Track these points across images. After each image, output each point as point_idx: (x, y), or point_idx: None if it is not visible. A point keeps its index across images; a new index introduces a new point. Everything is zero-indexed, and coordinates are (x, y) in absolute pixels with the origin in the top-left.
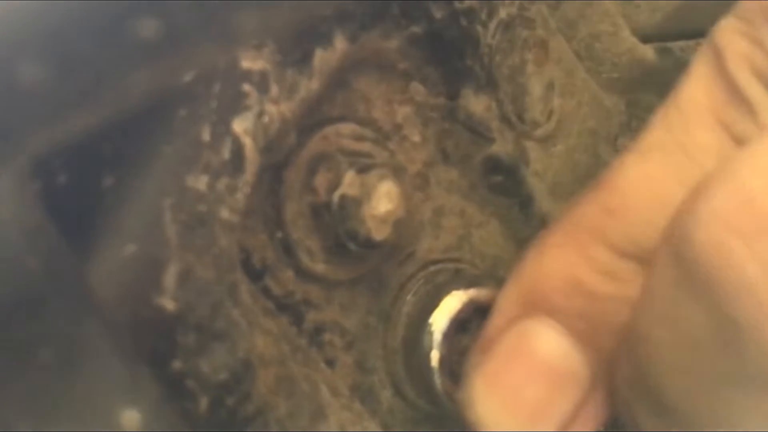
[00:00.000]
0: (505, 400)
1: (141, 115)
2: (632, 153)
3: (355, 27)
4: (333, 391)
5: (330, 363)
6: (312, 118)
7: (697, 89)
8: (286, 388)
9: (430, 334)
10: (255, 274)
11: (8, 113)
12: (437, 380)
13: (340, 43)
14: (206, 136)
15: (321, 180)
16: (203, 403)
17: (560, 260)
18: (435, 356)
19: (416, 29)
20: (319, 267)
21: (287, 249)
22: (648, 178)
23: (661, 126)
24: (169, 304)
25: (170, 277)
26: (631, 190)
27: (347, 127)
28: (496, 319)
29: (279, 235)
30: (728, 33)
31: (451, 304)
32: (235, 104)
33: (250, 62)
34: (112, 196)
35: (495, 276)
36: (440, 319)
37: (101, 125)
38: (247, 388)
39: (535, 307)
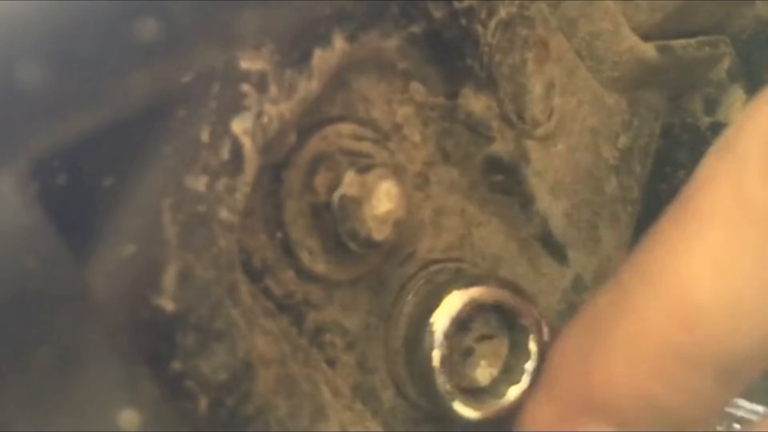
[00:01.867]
0: None
1: (140, 115)
2: (696, 257)
3: (355, 27)
4: (334, 392)
5: (331, 363)
6: (311, 118)
7: (761, 192)
8: (286, 389)
9: (431, 333)
10: (255, 275)
11: (8, 114)
12: (438, 380)
13: (339, 43)
14: (205, 136)
15: (321, 180)
16: (203, 403)
17: (631, 374)
18: (436, 356)
19: (416, 29)
20: (320, 267)
21: (287, 249)
22: (724, 289)
23: (726, 230)
24: (168, 305)
25: (170, 277)
26: (708, 301)
27: (347, 127)
28: (546, 412)
29: (279, 235)
30: None
31: (452, 303)
32: (234, 104)
33: (249, 62)
34: (112, 196)
35: (496, 275)
36: (441, 318)
37: (100, 126)
38: (247, 389)
39: (596, 413)
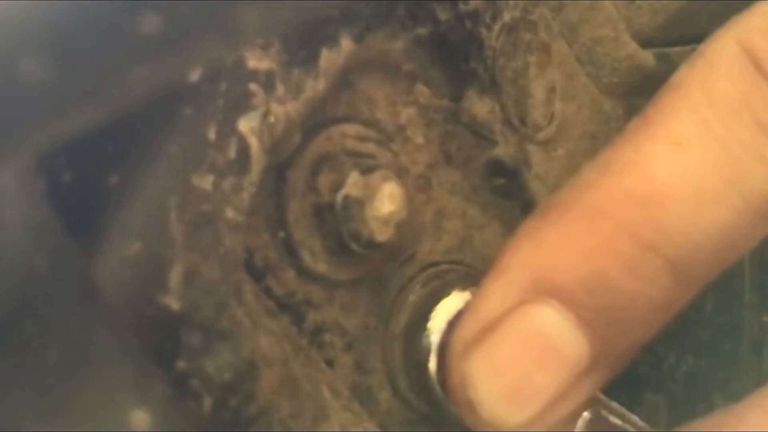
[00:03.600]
0: (511, 388)
1: (146, 113)
2: (659, 140)
3: (362, 27)
4: (333, 392)
5: (329, 363)
6: (316, 119)
7: (729, 86)
8: (289, 389)
9: (428, 337)
10: (257, 274)
11: (12, 110)
12: (436, 385)
13: (346, 44)
14: (212, 135)
15: (324, 180)
16: (207, 403)
17: (583, 252)
18: (433, 360)
19: (422, 31)
20: (321, 267)
21: (289, 249)
22: (685, 171)
23: (692, 119)
24: (174, 304)
25: (175, 276)
26: (667, 180)
27: (351, 128)
28: (496, 301)
29: (281, 234)
30: (760, 35)
31: (450, 305)
32: (242, 104)
33: (256, 62)
34: (117, 194)
35: None
36: (438, 321)
37: (106, 123)
38: (251, 389)
39: (546, 294)
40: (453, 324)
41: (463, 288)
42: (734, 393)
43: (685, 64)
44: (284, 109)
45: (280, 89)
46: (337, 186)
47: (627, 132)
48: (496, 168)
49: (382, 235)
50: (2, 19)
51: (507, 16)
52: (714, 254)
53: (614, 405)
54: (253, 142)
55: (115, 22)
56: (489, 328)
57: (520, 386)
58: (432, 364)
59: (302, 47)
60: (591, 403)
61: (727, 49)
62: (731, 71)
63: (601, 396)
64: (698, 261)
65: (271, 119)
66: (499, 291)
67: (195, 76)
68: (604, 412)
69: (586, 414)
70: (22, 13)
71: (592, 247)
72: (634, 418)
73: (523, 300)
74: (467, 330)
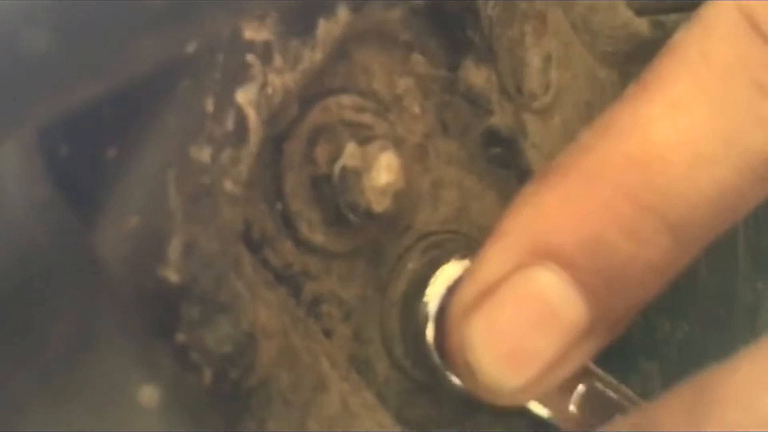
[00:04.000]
0: (509, 351)
1: (144, 85)
2: (656, 103)
3: None
4: (332, 363)
5: (327, 334)
6: (313, 90)
7: (727, 49)
8: (288, 360)
9: (426, 303)
10: (254, 246)
11: (12, 83)
12: (434, 353)
13: (343, 14)
14: (210, 107)
15: (321, 151)
16: (207, 375)
17: (581, 215)
18: (430, 326)
19: (418, 0)
20: (318, 238)
21: (287, 220)
22: (683, 132)
23: (689, 81)
24: (173, 276)
25: (174, 248)
26: (665, 142)
27: (348, 99)
28: (495, 265)
29: (279, 206)
30: None
31: (449, 272)
32: (239, 75)
33: (253, 33)
34: (115, 168)
35: None
36: (437, 288)
37: (104, 96)
38: (251, 361)
39: (545, 257)
40: (452, 291)
41: (462, 256)
42: (728, 360)
43: (682, 27)
44: (282, 80)
45: (278, 60)
46: (335, 157)
47: (624, 96)
48: (493, 137)
49: (380, 205)
50: None
51: None
52: (712, 215)
53: (608, 378)
54: (251, 114)
55: None
56: (488, 292)
57: (518, 349)
58: (429, 330)
59: (299, 18)
60: (585, 377)
61: (725, 12)
62: (729, 33)
63: (596, 368)
64: (696, 222)
65: (269, 90)
66: (497, 255)
67: (192, 47)
68: (598, 385)
69: (580, 387)
70: None
71: (590, 210)
72: (628, 390)
73: (521, 263)
74: (466, 294)
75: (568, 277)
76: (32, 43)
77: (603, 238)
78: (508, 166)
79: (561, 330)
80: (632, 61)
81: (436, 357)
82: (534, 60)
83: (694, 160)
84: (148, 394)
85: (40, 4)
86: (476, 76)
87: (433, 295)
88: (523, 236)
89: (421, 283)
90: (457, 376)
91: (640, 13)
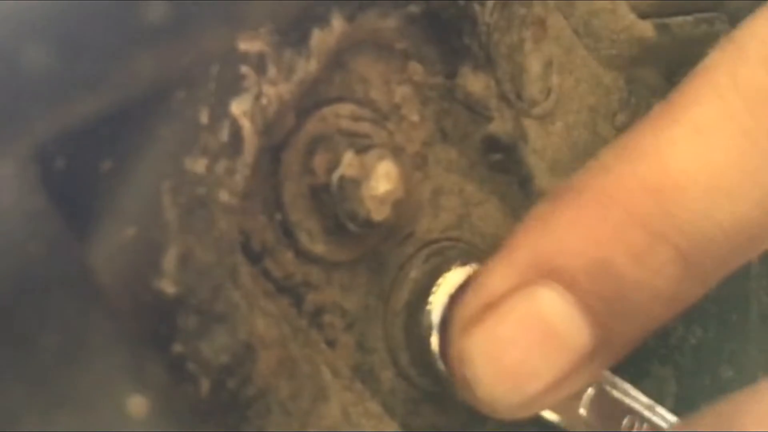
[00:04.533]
0: (508, 370)
1: (139, 98)
2: (679, 127)
3: (353, 7)
4: (334, 372)
5: (330, 344)
6: (310, 100)
7: (760, 74)
8: (287, 370)
9: (430, 312)
10: (254, 257)
11: (11, 97)
12: (439, 362)
13: (337, 23)
14: (204, 118)
15: (320, 161)
16: (204, 385)
17: (590, 238)
18: (435, 335)
19: (414, 8)
20: (319, 248)
21: (286, 231)
22: (703, 160)
23: (716, 105)
24: (169, 288)
25: (170, 260)
26: (683, 169)
27: (345, 108)
28: (499, 279)
29: (278, 216)
30: None
31: (452, 280)
32: (234, 86)
33: (247, 44)
34: (111, 179)
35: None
36: (440, 296)
37: (100, 109)
38: (249, 371)
39: (550, 277)
40: (454, 298)
41: (464, 263)
42: (742, 365)
43: (714, 47)
44: (277, 90)
45: (272, 71)
46: (333, 166)
47: (649, 116)
48: (493, 144)
49: (379, 214)
50: (5, 7)
51: None
52: (729, 248)
53: (618, 381)
54: (246, 125)
55: (119, 9)
56: (490, 307)
57: (518, 369)
58: (434, 339)
59: (293, 28)
60: (595, 380)
61: (761, 34)
62: (763, 57)
63: (606, 372)
64: (711, 254)
65: (264, 101)
66: (503, 270)
67: (186, 59)
68: (608, 388)
69: (590, 390)
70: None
71: (600, 233)
72: (639, 394)
73: (526, 281)
74: (468, 307)
75: (573, 299)
76: (32, 60)
77: (610, 262)
78: (508, 172)
79: (562, 352)
80: (639, 64)
81: (441, 365)
82: (534, 65)
83: (713, 191)
84: (137, 404)
85: (40, 20)
86: (474, 82)
87: (436, 303)
88: (530, 253)
89: (423, 291)
90: (457, 387)
91: (643, 15)
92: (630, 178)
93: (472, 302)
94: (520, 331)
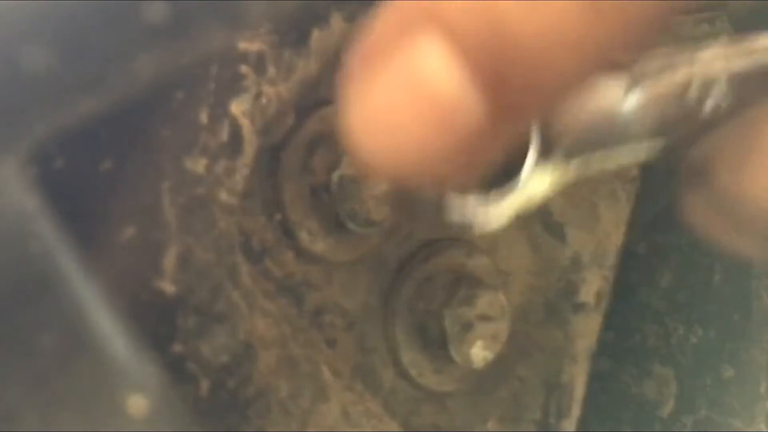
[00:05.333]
0: (387, 140)
1: (139, 98)
2: None
3: (353, 7)
4: (334, 372)
5: (330, 343)
6: (309, 99)
7: None
8: (287, 370)
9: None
10: (255, 256)
11: (11, 97)
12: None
13: (337, 23)
14: (204, 118)
15: (319, 161)
16: (204, 385)
17: None
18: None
19: None
20: (319, 248)
21: (287, 230)
22: None
23: None
24: (168, 287)
25: (170, 260)
26: None
27: None
28: (380, 26)
29: (278, 216)
30: None
31: None
32: (233, 86)
33: (247, 43)
34: (111, 180)
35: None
36: None
37: (100, 109)
38: (248, 370)
39: (432, 23)
40: None
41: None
42: (743, 364)
43: None
44: (276, 90)
45: (272, 70)
46: (333, 166)
47: None
48: None
49: (379, 214)
50: (5, 7)
51: None
52: None
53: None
54: (245, 124)
55: (117, 9)
56: (370, 59)
57: (394, 137)
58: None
59: (293, 28)
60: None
61: None
62: None
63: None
64: None
65: (263, 101)
66: (387, 16)
67: (186, 59)
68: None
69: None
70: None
71: None
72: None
73: (409, 30)
74: (352, 60)
75: (459, 55)
76: (32, 60)
77: (500, 18)
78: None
79: (447, 124)
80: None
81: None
82: None
83: None
84: (136, 404)
85: (40, 20)
86: None
87: None
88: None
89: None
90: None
91: None
92: None
93: (354, 55)
94: (397, 94)
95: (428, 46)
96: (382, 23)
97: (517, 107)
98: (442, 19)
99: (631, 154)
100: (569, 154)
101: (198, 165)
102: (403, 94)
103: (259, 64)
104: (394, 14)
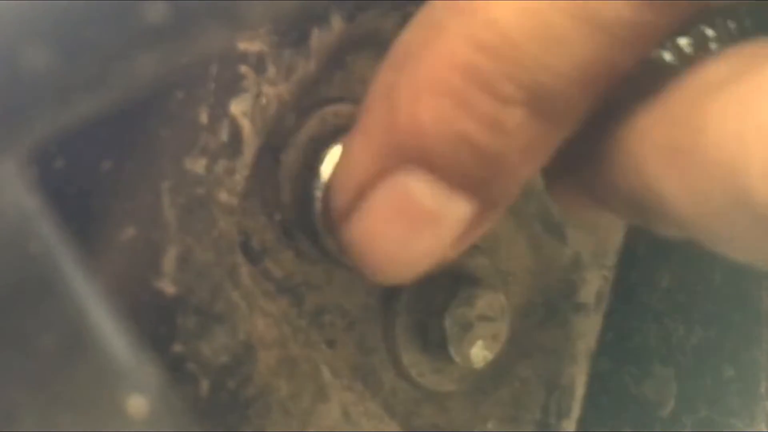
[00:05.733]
0: (390, 254)
1: (138, 98)
2: None
3: (352, 6)
4: (334, 372)
5: (330, 344)
6: (310, 100)
7: None
8: (287, 370)
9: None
10: (255, 257)
11: (11, 97)
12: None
13: (337, 23)
14: (204, 118)
15: (319, 161)
16: (204, 386)
17: (437, 110)
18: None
19: (413, 8)
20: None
21: (286, 231)
22: (532, 13)
23: None
24: (168, 288)
25: (169, 260)
26: (517, 26)
27: (345, 108)
28: (361, 167)
29: (278, 217)
30: None
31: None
32: (233, 86)
33: (246, 43)
34: (110, 180)
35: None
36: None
37: (99, 109)
38: (249, 371)
39: (409, 162)
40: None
41: None
42: (743, 364)
43: None
44: (276, 90)
45: (272, 71)
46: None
47: None
48: None
49: None
50: (5, 7)
51: None
52: (577, 90)
53: None
54: (245, 125)
55: (120, 9)
56: (360, 197)
57: (400, 253)
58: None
59: (293, 28)
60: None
61: None
62: None
63: None
64: (562, 101)
65: (263, 101)
66: (361, 156)
67: (186, 59)
68: None
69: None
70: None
71: (447, 107)
72: None
73: (387, 168)
74: (339, 200)
75: (438, 178)
76: (32, 60)
77: (466, 136)
78: None
79: (442, 230)
80: None
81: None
82: None
83: (544, 41)
84: (136, 404)
85: (40, 20)
86: None
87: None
88: (385, 134)
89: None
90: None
91: None
92: (462, 37)
93: (340, 196)
94: (393, 220)
95: (415, 180)
96: (359, 162)
97: (499, 201)
98: (421, 153)
99: None
100: None
101: (198, 165)
102: (402, 221)
103: (259, 64)
104: (366, 151)
